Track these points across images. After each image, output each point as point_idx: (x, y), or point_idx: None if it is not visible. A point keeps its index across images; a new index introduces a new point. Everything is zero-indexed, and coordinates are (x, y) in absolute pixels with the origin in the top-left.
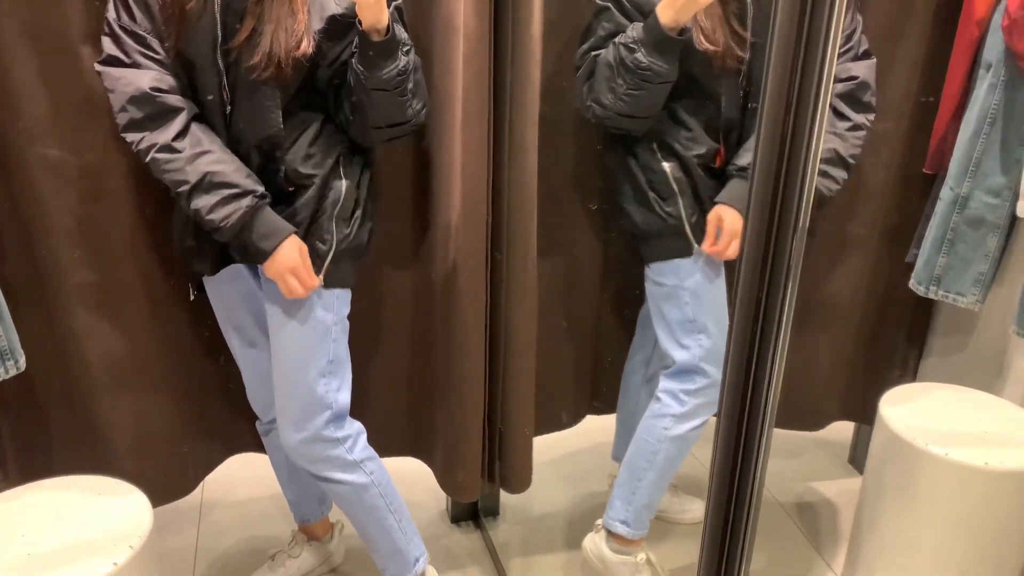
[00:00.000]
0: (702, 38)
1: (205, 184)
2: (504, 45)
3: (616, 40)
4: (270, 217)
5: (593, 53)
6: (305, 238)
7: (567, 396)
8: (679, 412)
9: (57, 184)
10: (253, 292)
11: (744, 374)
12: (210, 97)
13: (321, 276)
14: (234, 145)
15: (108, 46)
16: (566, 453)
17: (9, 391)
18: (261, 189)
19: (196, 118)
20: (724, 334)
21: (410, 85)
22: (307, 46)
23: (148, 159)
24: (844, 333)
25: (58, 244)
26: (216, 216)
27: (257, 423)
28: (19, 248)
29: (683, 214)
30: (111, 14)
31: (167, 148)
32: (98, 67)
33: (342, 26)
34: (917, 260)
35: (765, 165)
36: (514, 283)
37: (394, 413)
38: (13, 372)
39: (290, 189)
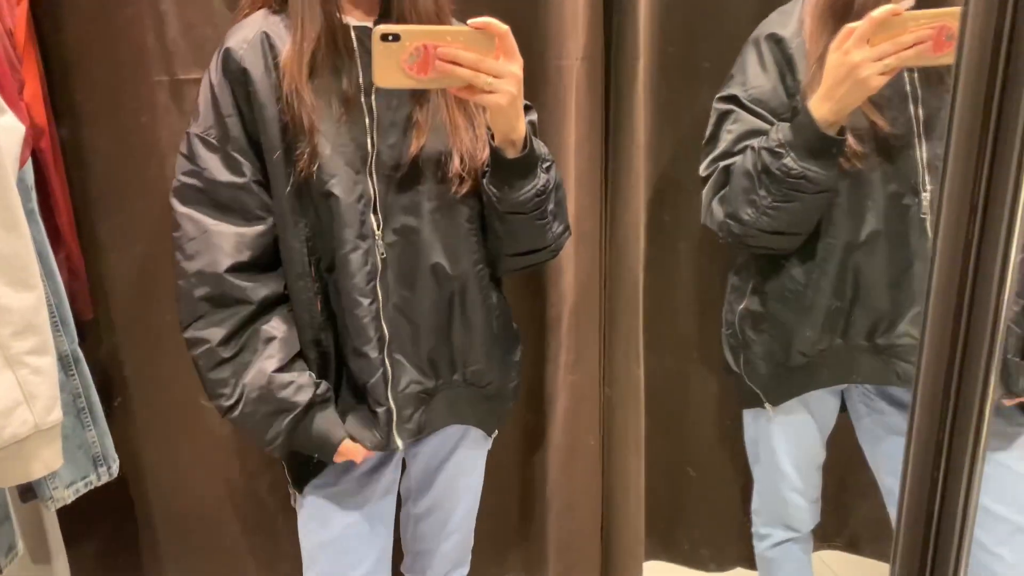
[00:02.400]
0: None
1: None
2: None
3: (755, 144)
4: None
5: (723, 163)
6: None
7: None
8: None
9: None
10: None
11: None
12: (355, 229)
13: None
14: (396, 279)
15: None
16: None
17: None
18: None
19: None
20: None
21: (550, 206)
22: (487, 154)
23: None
24: None
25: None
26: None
27: None
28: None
29: None
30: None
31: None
32: (175, 205)
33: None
34: None
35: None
36: (618, 382)
37: (506, 529)
38: (106, 478)
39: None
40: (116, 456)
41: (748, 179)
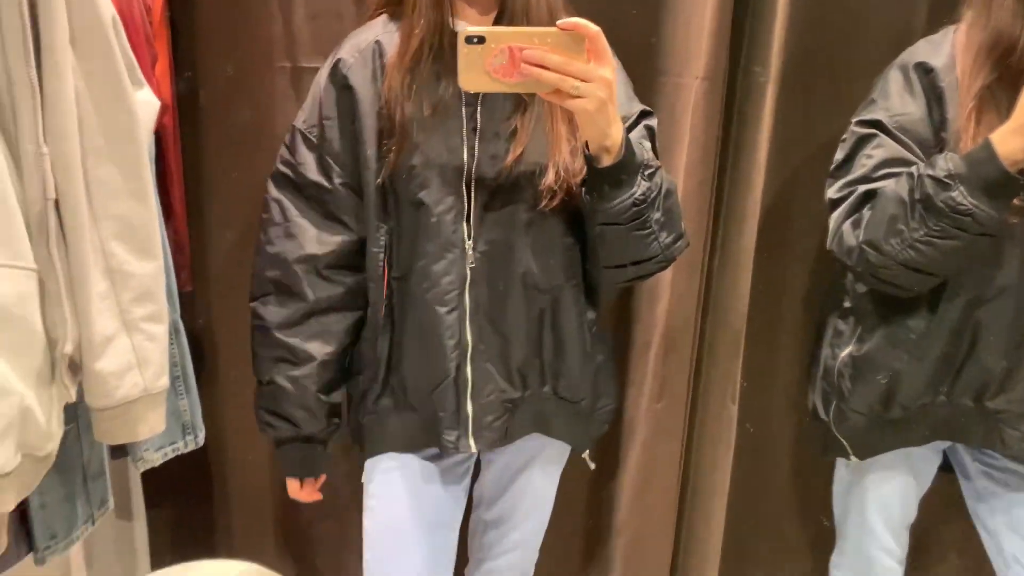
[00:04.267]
0: None
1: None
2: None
3: (915, 171)
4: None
5: (861, 188)
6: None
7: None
8: None
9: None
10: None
11: None
12: (438, 243)
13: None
14: (492, 287)
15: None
16: None
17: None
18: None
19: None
20: None
21: (655, 215)
22: (583, 167)
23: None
24: None
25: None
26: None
27: None
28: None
29: None
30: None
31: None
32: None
33: None
34: None
35: None
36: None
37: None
38: (192, 447)
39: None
40: (203, 426)
41: (901, 207)
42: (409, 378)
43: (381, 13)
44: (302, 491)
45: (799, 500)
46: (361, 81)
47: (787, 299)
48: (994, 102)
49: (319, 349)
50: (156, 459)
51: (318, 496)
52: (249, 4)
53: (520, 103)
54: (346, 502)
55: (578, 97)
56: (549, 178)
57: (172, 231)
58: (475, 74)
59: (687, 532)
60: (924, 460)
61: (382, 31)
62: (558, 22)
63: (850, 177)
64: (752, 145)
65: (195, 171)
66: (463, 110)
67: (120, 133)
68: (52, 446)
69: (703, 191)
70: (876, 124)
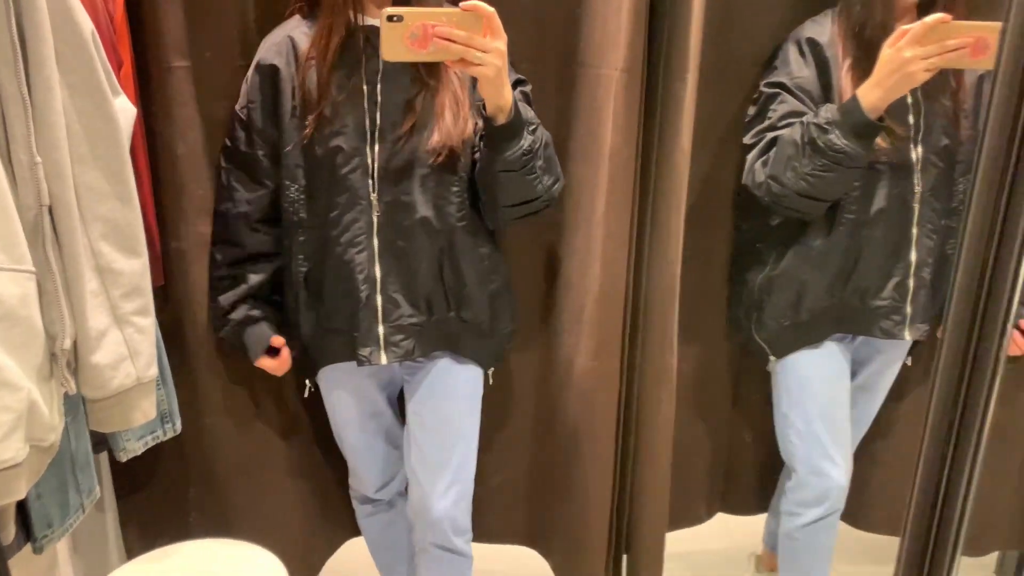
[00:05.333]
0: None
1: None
2: (652, 133)
3: (804, 120)
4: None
5: (769, 135)
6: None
7: (700, 491)
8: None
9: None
10: (391, 375)
11: (933, 497)
12: (347, 196)
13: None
14: (388, 238)
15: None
16: (696, 550)
17: (158, 454)
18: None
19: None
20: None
21: (539, 163)
22: (471, 128)
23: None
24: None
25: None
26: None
27: (363, 507)
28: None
29: None
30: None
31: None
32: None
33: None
34: None
35: (966, 284)
36: (650, 370)
37: (513, 499)
38: (170, 434)
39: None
40: (179, 414)
41: (794, 148)
42: (330, 306)
43: (295, 13)
44: (273, 362)
45: (739, 436)
46: (280, 70)
47: (715, 260)
48: (861, 68)
49: (254, 279)
50: (138, 448)
51: (287, 363)
52: (207, 5)
53: (413, 81)
54: (326, 483)
55: (479, 65)
56: (434, 139)
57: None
58: (395, 47)
59: (633, 476)
60: (838, 356)
61: (294, 28)
62: (461, 4)
63: (760, 126)
64: (674, 130)
65: (155, 169)
66: (365, 88)
67: (104, 140)
68: (55, 436)
69: (627, 171)
70: (780, 85)
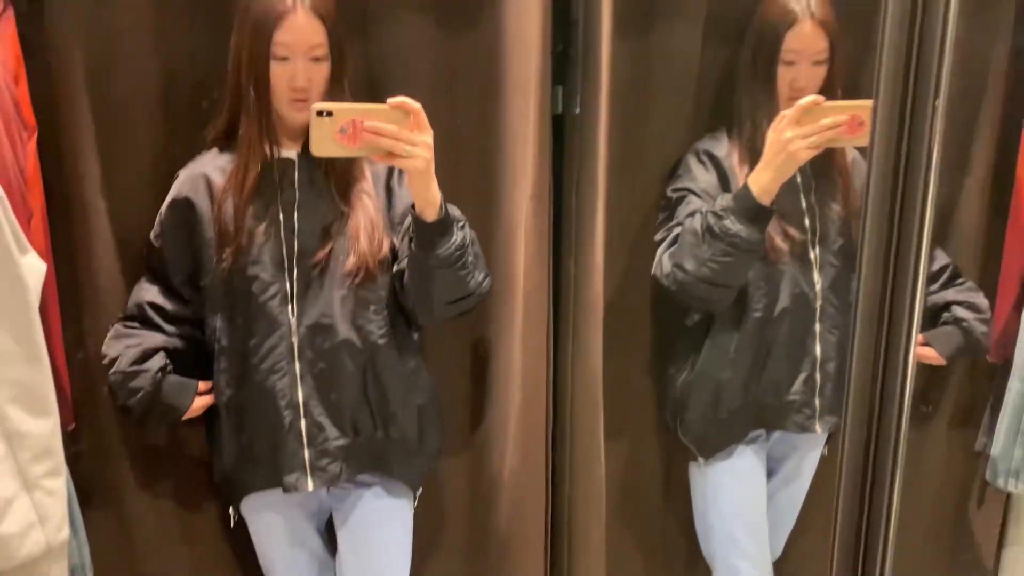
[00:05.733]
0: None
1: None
2: (567, 240)
3: (702, 209)
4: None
5: (677, 229)
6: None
7: None
8: None
9: None
10: (319, 502)
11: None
12: (266, 323)
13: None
14: (311, 357)
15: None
16: None
17: None
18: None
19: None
20: None
21: (470, 258)
22: (387, 248)
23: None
24: (917, 516)
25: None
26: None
27: None
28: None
29: None
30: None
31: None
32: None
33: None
34: (991, 452)
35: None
36: (579, 476)
37: None
38: None
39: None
40: (91, 564)
41: (694, 236)
42: (253, 433)
43: (211, 146)
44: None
45: (671, 532)
46: (195, 204)
47: (636, 358)
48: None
49: (167, 337)
50: None
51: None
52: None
53: (328, 208)
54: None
55: (408, 158)
56: (351, 261)
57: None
58: (325, 142)
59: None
60: (752, 457)
61: (209, 163)
62: (388, 100)
63: (670, 224)
64: (592, 248)
65: (72, 308)
66: (282, 217)
67: (11, 304)
68: None
69: (541, 290)
70: (686, 189)
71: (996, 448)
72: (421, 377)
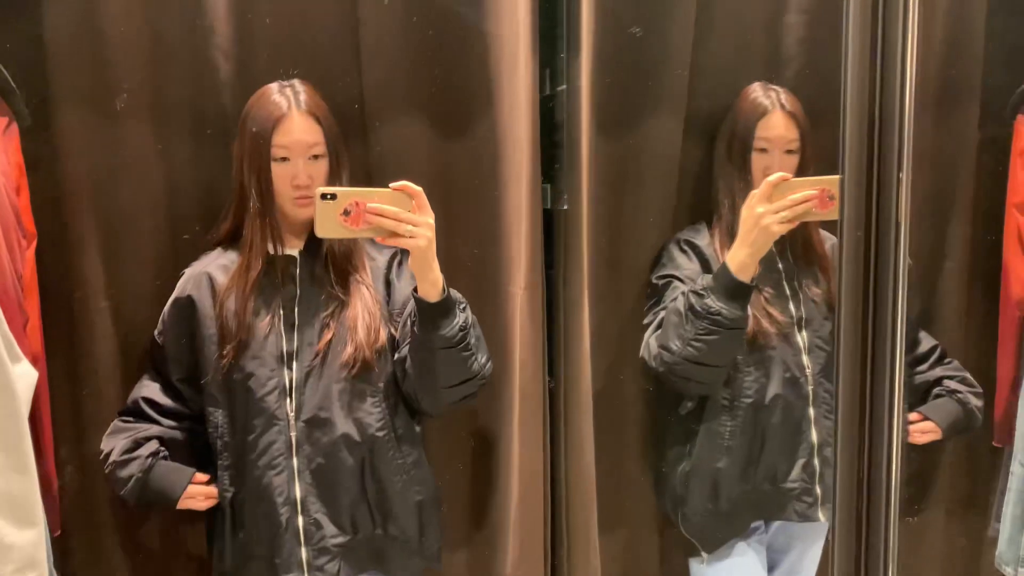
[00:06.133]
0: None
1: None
2: (557, 344)
3: (685, 290)
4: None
5: (663, 313)
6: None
7: None
8: None
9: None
10: None
11: None
12: (264, 418)
13: None
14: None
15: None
16: None
17: None
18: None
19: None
20: None
21: (472, 339)
22: (384, 337)
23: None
24: None
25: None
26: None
27: None
28: None
29: None
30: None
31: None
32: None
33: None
34: (999, 538)
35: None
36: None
37: None
38: None
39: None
40: None
41: (678, 316)
42: (251, 531)
43: (216, 245)
44: (204, 487)
45: None
46: (196, 303)
47: (630, 450)
48: None
49: (162, 428)
50: None
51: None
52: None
53: (327, 299)
54: None
55: (411, 238)
56: (348, 351)
57: (41, 475)
58: (329, 224)
59: None
60: (753, 555)
61: (212, 262)
62: (391, 184)
63: (657, 308)
64: (579, 340)
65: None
66: (282, 312)
67: (1, 414)
68: None
69: (536, 382)
70: (671, 276)
71: (1003, 535)
72: (422, 471)
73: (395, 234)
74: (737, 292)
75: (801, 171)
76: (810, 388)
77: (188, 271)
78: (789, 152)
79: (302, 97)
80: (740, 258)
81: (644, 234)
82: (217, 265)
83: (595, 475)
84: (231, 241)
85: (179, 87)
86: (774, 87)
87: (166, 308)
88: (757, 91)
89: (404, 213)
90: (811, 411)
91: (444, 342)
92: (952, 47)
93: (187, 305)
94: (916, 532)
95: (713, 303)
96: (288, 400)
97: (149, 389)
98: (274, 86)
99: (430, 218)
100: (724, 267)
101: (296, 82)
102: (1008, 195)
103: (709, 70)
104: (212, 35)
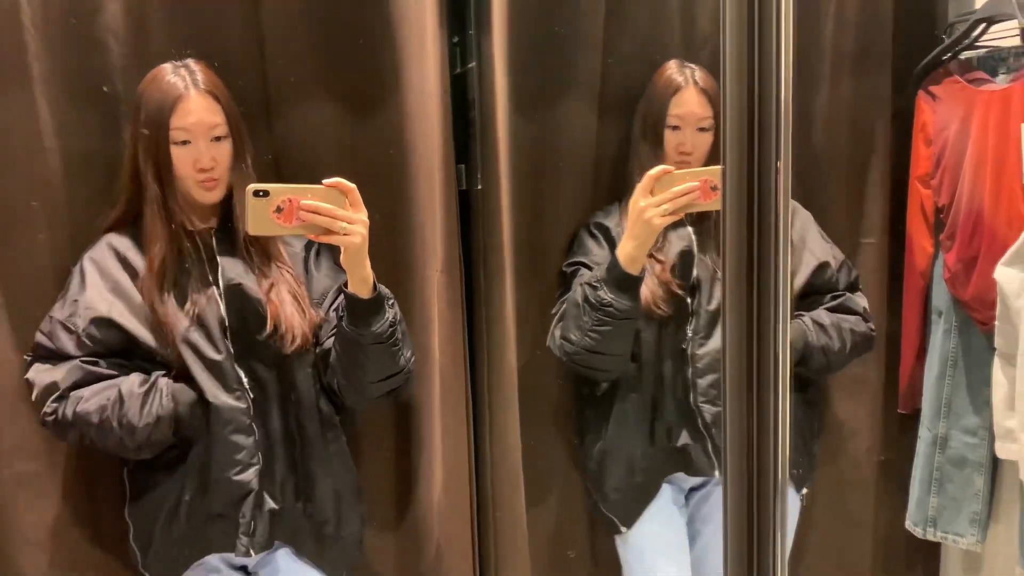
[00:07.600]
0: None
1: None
2: (477, 326)
3: (581, 281)
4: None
5: (567, 303)
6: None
7: None
8: None
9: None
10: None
11: None
12: (217, 388)
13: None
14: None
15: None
16: None
17: None
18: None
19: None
20: None
21: (399, 335)
22: (315, 315)
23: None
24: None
25: None
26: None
27: None
28: None
29: None
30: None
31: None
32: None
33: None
34: (909, 500)
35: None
36: (505, 564)
37: None
38: None
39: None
40: None
41: (576, 308)
42: (205, 490)
43: (112, 232)
44: None
45: None
46: (120, 320)
47: (554, 425)
48: None
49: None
50: None
51: None
52: None
53: (259, 280)
54: None
55: (346, 236)
56: (272, 329)
57: None
58: (261, 221)
59: None
60: (671, 515)
61: (110, 259)
62: (324, 181)
63: (563, 299)
64: (501, 323)
65: None
66: (211, 292)
67: None
68: None
69: (457, 364)
70: (578, 263)
71: (912, 497)
72: (343, 460)
73: (329, 231)
74: (626, 284)
75: (715, 150)
76: (689, 349)
77: (88, 267)
78: (702, 130)
79: (199, 76)
80: (627, 251)
81: (563, 214)
82: (116, 261)
83: (521, 456)
84: (125, 226)
85: (66, 69)
86: (690, 64)
87: (81, 323)
88: (672, 68)
89: (339, 211)
90: (689, 371)
91: (374, 338)
92: (865, 16)
93: (108, 324)
94: (822, 499)
95: (604, 295)
96: (234, 369)
97: (86, 366)
98: (167, 66)
99: (364, 215)
100: (614, 259)
101: (191, 61)
102: (911, 169)
103: (625, 49)
104: (100, 14)
